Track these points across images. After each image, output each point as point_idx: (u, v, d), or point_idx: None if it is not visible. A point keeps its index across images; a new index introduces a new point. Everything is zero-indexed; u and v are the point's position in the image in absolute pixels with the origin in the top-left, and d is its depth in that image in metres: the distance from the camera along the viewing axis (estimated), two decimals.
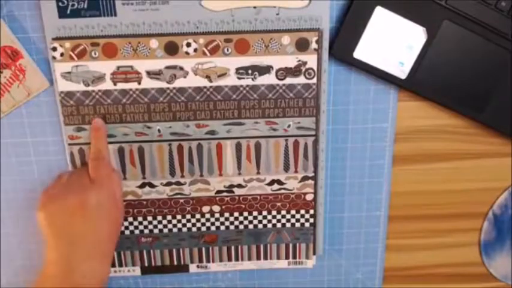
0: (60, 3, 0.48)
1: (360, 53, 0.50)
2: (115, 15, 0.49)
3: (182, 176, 0.54)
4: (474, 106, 0.52)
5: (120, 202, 0.53)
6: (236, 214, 0.56)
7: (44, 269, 0.48)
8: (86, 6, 0.48)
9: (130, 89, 0.51)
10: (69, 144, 0.52)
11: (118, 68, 0.50)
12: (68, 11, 0.48)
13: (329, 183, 0.56)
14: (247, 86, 0.51)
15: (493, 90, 0.52)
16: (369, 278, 0.61)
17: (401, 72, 0.51)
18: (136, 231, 0.56)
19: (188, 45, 0.49)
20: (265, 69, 0.50)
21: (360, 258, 0.60)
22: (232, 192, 0.55)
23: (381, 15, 0.49)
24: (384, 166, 0.56)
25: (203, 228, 0.56)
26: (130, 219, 0.55)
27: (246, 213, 0.56)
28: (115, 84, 0.50)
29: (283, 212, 0.56)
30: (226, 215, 0.56)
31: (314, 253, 0.58)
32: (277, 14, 0.49)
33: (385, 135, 0.55)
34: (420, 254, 0.61)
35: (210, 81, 0.50)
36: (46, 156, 0.54)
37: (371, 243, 0.59)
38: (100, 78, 0.50)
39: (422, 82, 0.51)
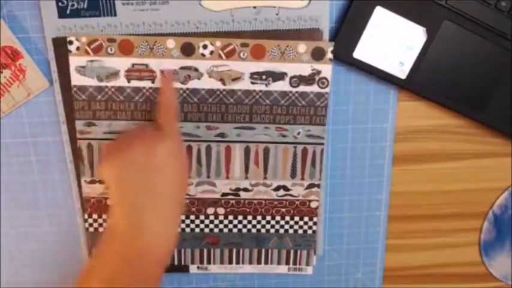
0: (60, 3, 0.48)
1: (360, 53, 0.50)
2: (115, 15, 0.49)
3: (189, 177, 0.54)
4: (474, 106, 0.52)
5: (186, 158, 0.49)
6: (240, 217, 0.56)
7: (111, 227, 0.44)
8: (85, 6, 0.48)
9: (144, 87, 0.51)
10: (78, 139, 0.52)
11: (133, 65, 0.50)
12: (68, 11, 0.48)
13: (329, 183, 0.56)
14: (260, 91, 0.51)
15: (493, 90, 0.52)
16: (369, 278, 0.61)
17: (401, 72, 0.51)
18: None
19: (205, 47, 0.49)
20: (279, 76, 0.50)
21: (360, 258, 0.60)
22: (238, 195, 0.55)
23: (380, 15, 0.49)
24: (383, 166, 0.56)
25: (206, 230, 0.56)
26: None
27: (250, 217, 0.56)
28: (129, 82, 0.50)
29: (287, 218, 0.56)
30: (231, 217, 0.56)
31: (314, 254, 0.58)
32: (277, 14, 0.49)
33: (385, 135, 0.55)
34: (420, 254, 0.61)
35: (224, 84, 0.50)
36: (46, 156, 0.54)
37: (371, 243, 0.59)
38: (114, 74, 0.50)
39: (422, 82, 0.51)
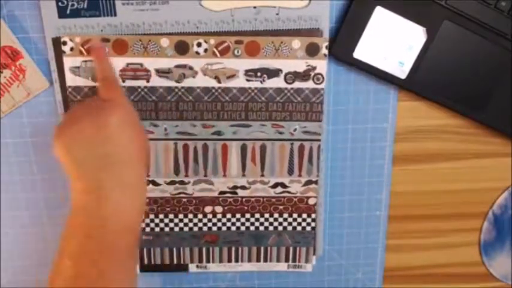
0: (60, 3, 0.48)
1: (360, 53, 0.50)
2: (115, 15, 0.49)
3: (186, 176, 0.54)
4: (474, 106, 0.52)
5: (139, 122, 0.47)
6: (238, 215, 0.56)
7: (74, 202, 0.43)
8: (85, 6, 0.48)
9: (139, 87, 0.51)
10: None
11: (127, 64, 0.50)
12: (68, 11, 0.48)
13: (329, 183, 0.56)
14: (256, 88, 0.51)
15: (493, 90, 0.52)
16: (369, 278, 0.61)
17: (401, 72, 0.51)
18: None
19: (199, 45, 0.49)
20: (274, 73, 0.50)
21: (360, 258, 0.60)
22: (236, 193, 0.55)
23: (381, 15, 0.49)
24: (383, 166, 0.56)
25: (204, 229, 0.56)
26: None
27: (248, 215, 0.56)
28: (123, 81, 0.50)
29: (285, 215, 0.56)
30: (229, 216, 0.56)
31: (314, 254, 0.58)
32: (277, 14, 0.49)
33: (385, 135, 0.55)
34: (420, 254, 0.61)
35: (219, 82, 0.51)
36: (46, 156, 0.54)
37: (371, 243, 0.59)
38: None
39: (422, 82, 0.51)
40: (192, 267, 0.58)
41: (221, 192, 0.55)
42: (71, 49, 0.49)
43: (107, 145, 0.43)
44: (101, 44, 0.49)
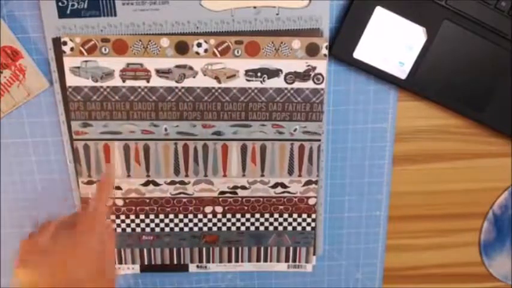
0: (60, 3, 0.48)
1: (360, 53, 0.50)
2: (115, 15, 0.49)
3: (186, 176, 0.54)
4: (474, 106, 0.52)
5: (111, 260, 0.47)
6: (238, 216, 0.56)
7: None
8: (86, 6, 0.48)
9: (139, 87, 0.51)
10: (75, 140, 0.52)
11: (128, 65, 0.50)
12: (68, 11, 0.48)
13: (329, 183, 0.56)
14: (256, 88, 0.51)
15: (493, 90, 0.52)
16: (369, 278, 0.61)
17: (401, 72, 0.51)
18: (138, 229, 0.56)
19: (199, 45, 0.49)
20: (274, 73, 0.50)
21: (360, 258, 0.60)
22: (236, 193, 0.55)
23: (381, 15, 0.49)
24: (384, 166, 0.56)
25: (205, 229, 0.56)
26: (132, 216, 0.55)
27: (248, 215, 0.56)
28: (124, 81, 0.50)
29: (285, 215, 0.56)
30: (229, 216, 0.56)
31: (314, 254, 0.58)
32: (277, 14, 0.49)
33: (385, 135, 0.55)
34: (420, 254, 0.61)
35: (219, 82, 0.51)
36: (46, 156, 0.54)
37: (371, 243, 0.59)
38: (109, 74, 0.50)
39: (422, 82, 0.51)
40: (192, 267, 0.58)
41: (221, 192, 0.55)
42: (71, 49, 0.49)
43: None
44: (111, 172, 0.49)
